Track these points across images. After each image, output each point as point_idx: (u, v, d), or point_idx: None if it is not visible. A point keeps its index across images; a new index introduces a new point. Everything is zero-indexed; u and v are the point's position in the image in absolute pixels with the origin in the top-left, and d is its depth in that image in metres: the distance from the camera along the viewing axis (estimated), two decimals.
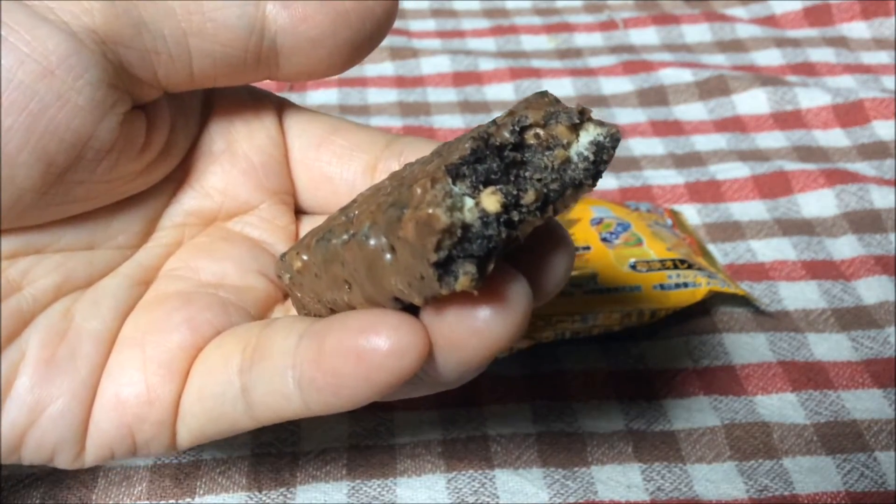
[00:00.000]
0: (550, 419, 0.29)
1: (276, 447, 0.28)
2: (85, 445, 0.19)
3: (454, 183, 0.15)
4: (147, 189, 0.20)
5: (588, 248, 0.33)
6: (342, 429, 0.29)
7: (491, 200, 0.15)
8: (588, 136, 0.16)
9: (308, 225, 0.22)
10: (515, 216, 0.15)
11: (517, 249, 0.16)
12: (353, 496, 0.27)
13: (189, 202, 0.21)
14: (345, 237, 0.16)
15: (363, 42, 0.19)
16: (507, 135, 0.16)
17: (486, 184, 0.15)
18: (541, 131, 0.16)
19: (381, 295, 0.16)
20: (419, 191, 0.14)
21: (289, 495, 0.27)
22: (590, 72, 0.48)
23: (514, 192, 0.15)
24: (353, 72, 0.48)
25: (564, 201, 0.16)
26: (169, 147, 0.20)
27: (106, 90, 0.17)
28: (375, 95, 0.46)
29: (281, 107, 0.22)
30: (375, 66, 0.48)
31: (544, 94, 0.17)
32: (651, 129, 0.44)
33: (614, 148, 0.16)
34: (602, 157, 0.16)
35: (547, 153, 0.16)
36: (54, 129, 0.17)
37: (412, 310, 0.17)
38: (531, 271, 0.17)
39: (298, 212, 0.23)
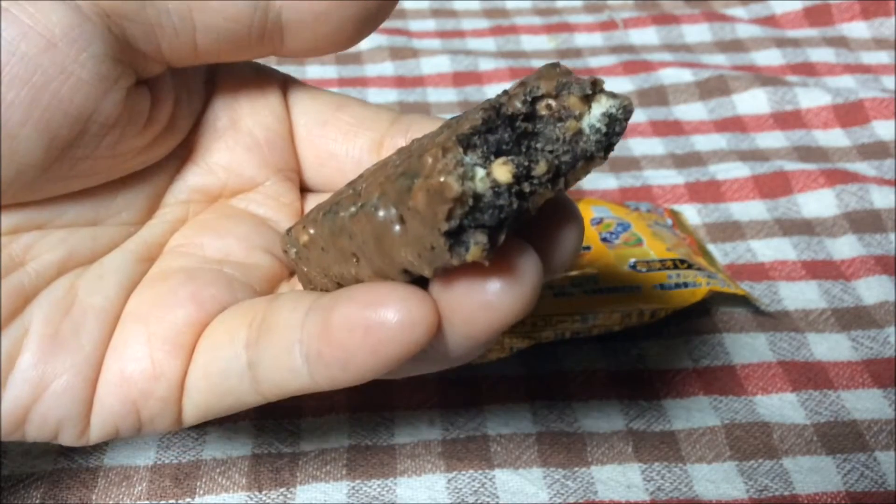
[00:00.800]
0: (550, 419, 0.29)
1: (276, 447, 0.28)
2: (90, 422, 0.19)
3: (465, 153, 0.14)
4: (151, 165, 0.20)
5: (588, 248, 0.33)
6: (342, 429, 0.29)
7: (502, 170, 0.14)
8: (600, 107, 0.16)
9: (313, 202, 0.22)
10: (527, 188, 0.15)
11: (527, 223, 0.16)
12: (353, 496, 0.27)
13: (193, 178, 0.21)
14: (353, 209, 0.16)
15: (368, 17, 0.19)
16: (518, 105, 0.15)
17: (498, 154, 0.15)
18: (553, 102, 0.16)
19: (390, 267, 0.16)
20: (430, 160, 0.14)
21: (289, 495, 0.27)
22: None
23: (526, 163, 0.15)
24: (353, 72, 0.48)
25: (576, 174, 0.16)
26: (173, 123, 0.20)
27: (110, 64, 0.17)
28: (375, 95, 0.46)
29: (286, 83, 0.22)
30: (375, 66, 0.48)
31: (556, 65, 0.16)
32: (651, 129, 0.44)
33: (627, 120, 0.16)
34: (614, 129, 0.16)
35: (559, 124, 0.15)
36: (57, 103, 0.16)
37: (421, 283, 0.16)
38: (541, 245, 0.17)
39: (303, 189, 0.23)
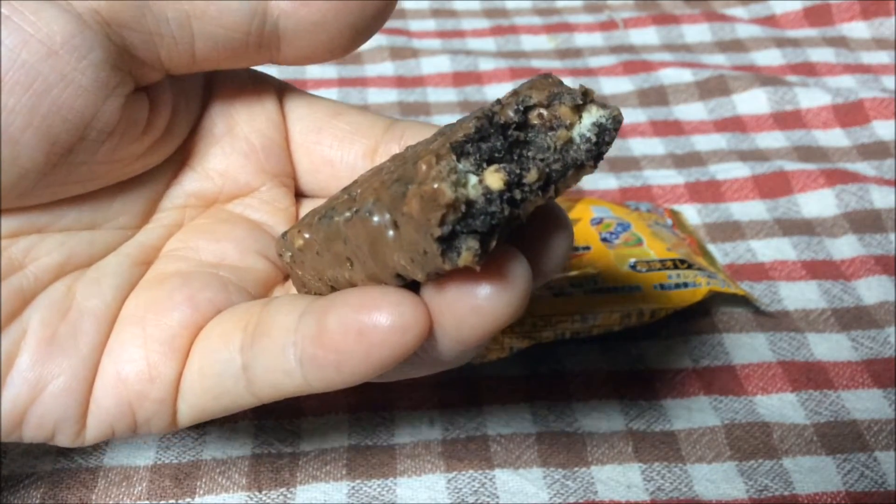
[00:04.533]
0: (550, 419, 0.29)
1: (276, 447, 0.28)
2: (86, 423, 0.19)
3: (459, 160, 0.15)
4: (148, 170, 0.20)
5: (588, 248, 0.33)
6: (342, 429, 0.29)
7: (494, 178, 0.15)
8: (591, 117, 0.16)
9: (308, 208, 0.22)
10: (518, 195, 0.15)
11: (518, 230, 0.16)
12: (353, 496, 0.27)
13: (190, 184, 0.21)
14: (347, 214, 0.16)
15: (364, 26, 0.19)
16: (511, 114, 0.16)
17: (490, 162, 0.15)
18: (544, 111, 0.16)
19: (384, 272, 0.16)
20: (424, 167, 0.14)
21: (289, 495, 0.27)
22: (590, 72, 0.48)
23: (517, 171, 0.15)
24: (353, 72, 0.48)
25: (566, 181, 0.16)
26: (170, 129, 0.20)
27: (109, 71, 0.17)
28: (375, 95, 0.46)
29: (282, 90, 0.22)
30: (375, 66, 0.48)
31: (548, 76, 0.17)
32: (651, 129, 0.44)
33: (616, 129, 0.16)
34: (604, 138, 0.16)
35: (550, 133, 0.16)
36: (58, 110, 0.17)
37: (413, 287, 0.17)
38: (531, 252, 0.17)
39: (298, 195, 0.23)
